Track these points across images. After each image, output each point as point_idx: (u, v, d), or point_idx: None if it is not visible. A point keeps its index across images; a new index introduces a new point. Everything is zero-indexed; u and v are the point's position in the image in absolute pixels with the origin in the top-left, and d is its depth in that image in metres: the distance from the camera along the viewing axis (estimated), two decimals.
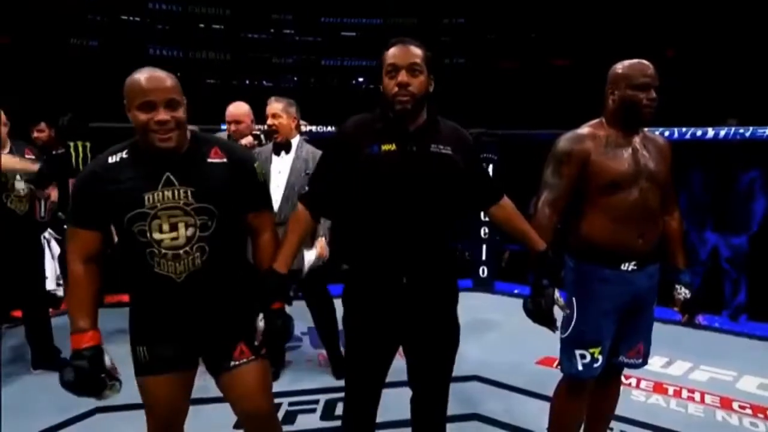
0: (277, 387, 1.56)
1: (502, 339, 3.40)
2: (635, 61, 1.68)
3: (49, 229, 3.34)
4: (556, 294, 1.60)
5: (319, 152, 2.63)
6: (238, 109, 2.85)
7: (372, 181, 1.46)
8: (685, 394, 2.73)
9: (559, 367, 1.84)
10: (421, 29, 10.37)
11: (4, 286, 2.62)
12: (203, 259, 1.32)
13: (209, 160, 1.37)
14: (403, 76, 1.40)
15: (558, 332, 1.72)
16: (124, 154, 1.33)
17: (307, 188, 1.59)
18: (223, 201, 1.35)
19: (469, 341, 2.70)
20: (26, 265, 2.74)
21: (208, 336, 1.41)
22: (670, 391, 2.76)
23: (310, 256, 2.57)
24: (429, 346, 1.59)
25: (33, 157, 2.73)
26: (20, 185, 2.64)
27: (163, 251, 1.29)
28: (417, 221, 1.47)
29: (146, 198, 1.28)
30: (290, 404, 2.53)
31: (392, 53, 1.43)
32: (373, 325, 1.54)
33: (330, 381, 2.79)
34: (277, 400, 1.65)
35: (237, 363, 1.42)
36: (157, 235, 1.29)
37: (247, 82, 9.63)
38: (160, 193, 1.29)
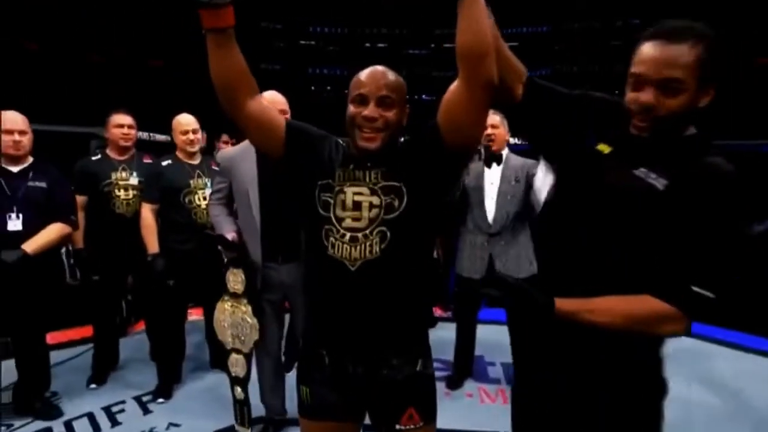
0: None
1: None
2: None
3: None
4: None
5: (530, 161, 2.66)
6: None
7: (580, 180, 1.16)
8: None
9: None
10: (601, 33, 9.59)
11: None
12: (382, 247, 1.18)
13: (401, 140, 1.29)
14: (647, 95, 1.01)
15: None
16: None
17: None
18: (414, 177, 1.21)
19: None
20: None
21: (376, 384, 1.25)
22: None
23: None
24: None
25: (217, 168, 2.91)
26: (134, 180, 2.83)
27: (342, 231, 1.19)
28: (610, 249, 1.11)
29: (338, 174, 1.24)
30: None
31: (645, 56, 1.03)
32: None
33: None
34: None
35: (404, 428, 1.26)
36: (339, 212, 1.21)
37: (407, 96, 9.81)
38: (351, 173, 1.24)
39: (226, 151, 2.31)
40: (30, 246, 2.33)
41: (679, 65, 0.98)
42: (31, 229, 2.37)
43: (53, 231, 2.44)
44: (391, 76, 1.23)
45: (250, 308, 2.08)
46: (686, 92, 0.99)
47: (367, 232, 1.18)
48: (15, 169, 2.42)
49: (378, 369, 1.24)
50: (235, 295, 2.11)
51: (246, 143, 2.20)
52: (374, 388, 1.25)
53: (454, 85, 1.16)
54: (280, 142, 1.25)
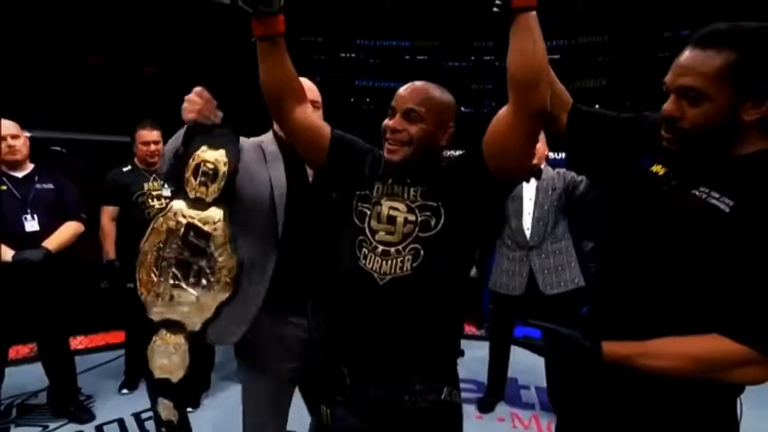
0: None
1: None
2: None
3: None
4: None
5: (563, 170, 2.67)
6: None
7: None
8: None
9: None
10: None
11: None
12: (414, 265, 1.15)
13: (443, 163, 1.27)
14: (668, 104, 0.98)
15: None
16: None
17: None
18: (454, 199, 1.18)
19: None
20: None
21: (398, 411, 1.19)
22: None
23: None
24: None
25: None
26: (166, 192, 2.85)
27: (374, 244, 1.18)
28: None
29: (377, 187, 1.24)
30: None
31: (675, 62, 1.02)
32: None
33: None
34: None
35: None
36: (374, 224, 1.20)
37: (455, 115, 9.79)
38: (390, 187, 1.23)
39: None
40: (51, 244, 2.43)
41: (695, 73, 0.89)
42: (47, 229, 2.47)
43: (69, 229, 2.54)
44: (431, 92, 1.20)
45: (226, 231, 1.19)
46: (709, 102, 0.89)
47: (400, 247, 1.17)
48: (20, 174, 2.50)
49: (400, 394, 1.18)
50: (197, 202, 1.20)
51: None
52: (396, 415, 1.19)
53: (502, 111, 1.13)
54: (323, 151, 1.27)
